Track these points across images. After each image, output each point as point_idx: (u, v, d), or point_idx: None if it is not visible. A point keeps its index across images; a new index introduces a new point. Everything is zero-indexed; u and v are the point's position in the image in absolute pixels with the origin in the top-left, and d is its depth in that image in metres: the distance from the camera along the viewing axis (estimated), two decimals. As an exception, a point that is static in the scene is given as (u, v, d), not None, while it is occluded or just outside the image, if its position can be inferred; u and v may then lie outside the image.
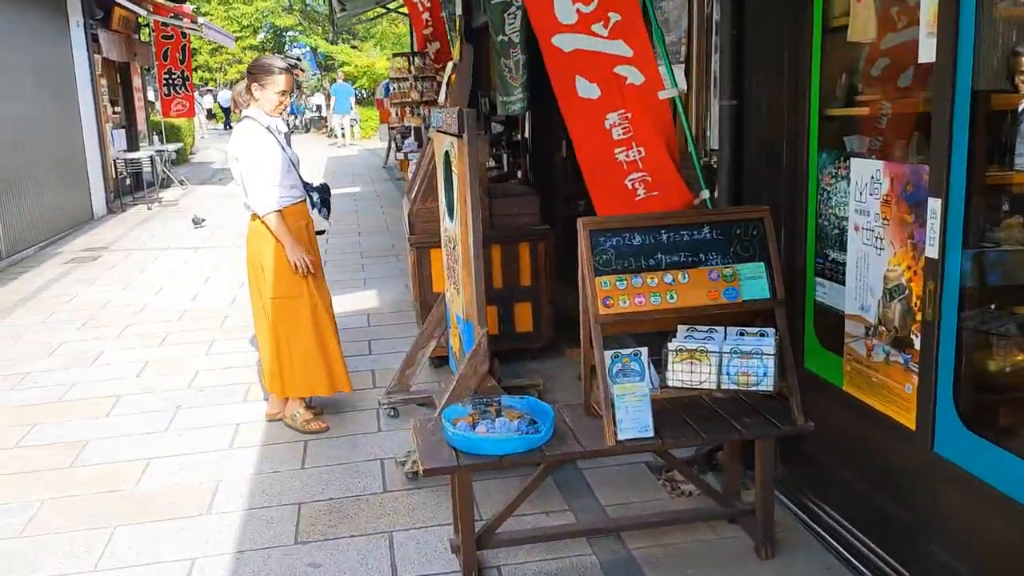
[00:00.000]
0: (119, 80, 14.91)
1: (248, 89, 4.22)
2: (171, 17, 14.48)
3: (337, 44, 29.08)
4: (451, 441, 2.81)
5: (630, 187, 3.75)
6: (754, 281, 2.92)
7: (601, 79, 3.69)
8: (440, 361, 4.94)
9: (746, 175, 3.51)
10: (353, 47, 29.13)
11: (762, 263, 2.94)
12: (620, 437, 2.76)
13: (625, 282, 2.86)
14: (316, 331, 4.30)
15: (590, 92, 3.71)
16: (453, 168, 3.77)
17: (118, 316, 6.79)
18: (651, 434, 2.77)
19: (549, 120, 7.83)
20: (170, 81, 15.59)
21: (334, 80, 30.98)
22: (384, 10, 18.06)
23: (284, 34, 32.23)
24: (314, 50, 30.51)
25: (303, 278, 4.25)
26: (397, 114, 10.59)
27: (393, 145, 17.61)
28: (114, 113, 14.29)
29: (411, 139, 10.85)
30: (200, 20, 15.16)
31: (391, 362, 5.33)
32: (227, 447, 4.22)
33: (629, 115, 3.68)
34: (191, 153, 21.61)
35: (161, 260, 9.10)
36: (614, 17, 3.61)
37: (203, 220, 11.18)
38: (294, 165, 4.31)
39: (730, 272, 2.91)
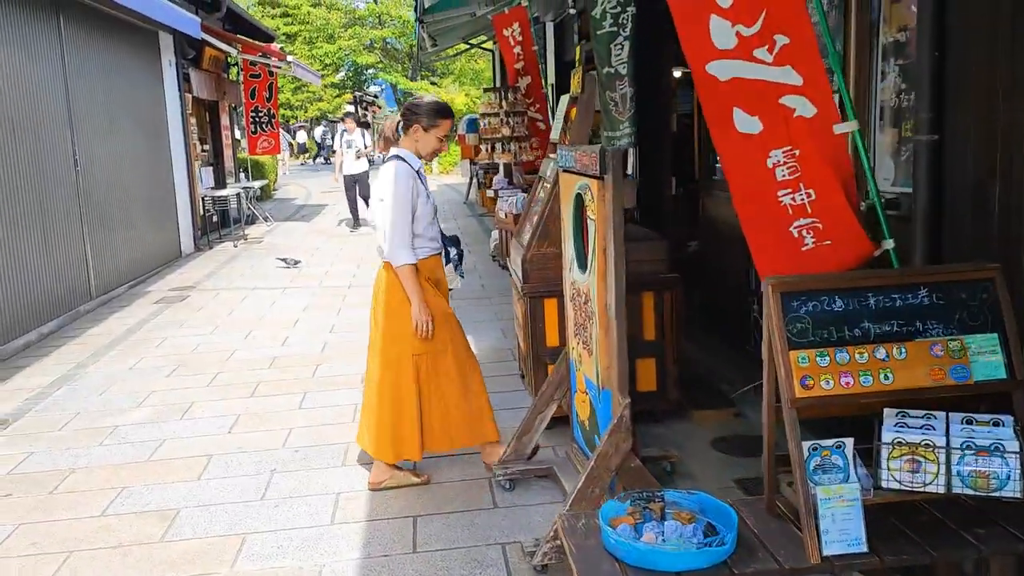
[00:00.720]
0: (208, 118, 15.01)
1: (404, 127, 3.90)
2: (260, 56, 14.53)
3: (416, 80, 29.22)
4: (613, 550, 2.31)
5: (796, 235, 3.22)
6: (986, 357, 2.37)
7: (764, 111, 3.19)
8: (553, 422, 4.45)
9: (947, 223, 2.96)
10: (432, 83, 29.23)
11: (995, 334, 2.39)
12: (826, 552, 2.22)
13: (828, 357, 2.34)
14: (462, 382, 4.06)
15: (750, 126, 3.22)
16: (589, 214, 3.31)
17: (207, 363, 6.51)
18: (864, 549, 2.22)
19: (657, 156, 7.35)
20: (257, 119, 15.63)
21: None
22: (467, 46, 17.94)
23: (364, 71, 32.62)
24: (394, 87, 30.76)
25: (442, 329, 3.96)
26: (487, 150, 10.24)
27: (475, 181, 17.35)
28: (202, 151, 14.35)
29: (500, 176, 10.49)
30: (289, 58, 15.20)
31: (497, 420, 4.87)
32: (328, 522, 3.79)
33: (796, 152, 3.17)
34: (274, 189, 21.77)
35: (248, 301, 8.87)
36: (781, 40, 3.12)
37: (298, 261, 10.97)
38: (435, 214, 3.97)
39: (957, 346, 2.36)
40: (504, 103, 9.79)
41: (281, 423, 5.10)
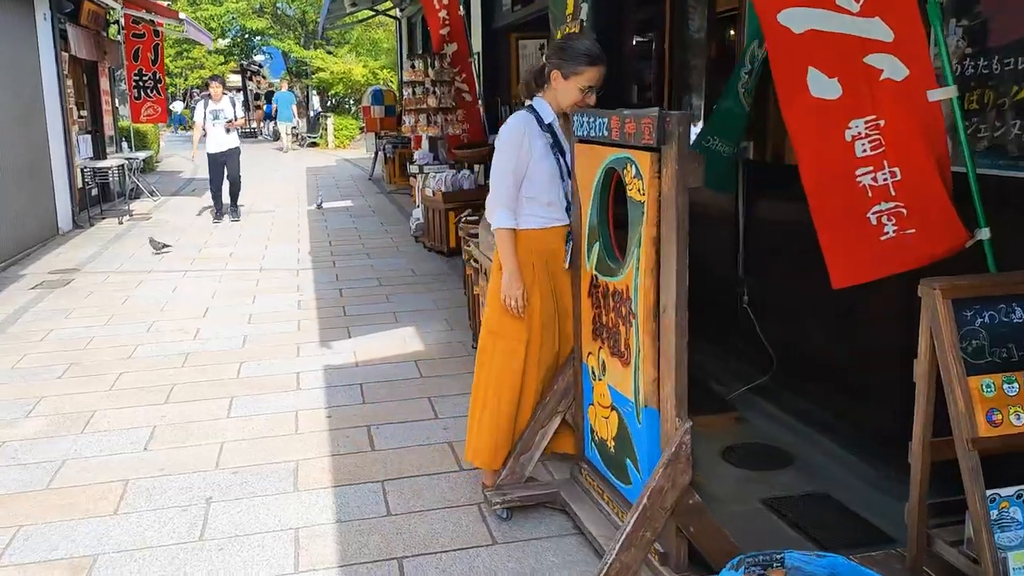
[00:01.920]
0: (86, 81, 13.57)
1: (546, 73, 3.29)
2: (145, 12, 13.18)
3: (310, 49, 27.75)
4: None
5: (874, 222, 2.72)
6: None
7: (844, 72, 2.66)
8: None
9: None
10: (328, 52, 27.86)
11: None
12: (1027, 638, 1.72)
13: (1016, 384, 1.83)
14: (520, 394, 3.37)
15: (827, 90, 2.69)
16: (632, 195, 2.71)
17: (106, 360, 5.59)
18: (1071, 630, 1.73)
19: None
20: (141, 83, 14.24)
21: (307, 86, 29.75)
22: (373, 12, 16.98)
23: (253, 38, 30.78)
24: (286, 54, 29.16)
25: (519, 319, 3.28)
26: (411, 123, 9.47)
27: (381, 155, 16.46)
28: (80, 117, 12.94)
29: (424, 150, 9.73)
30: (182, 16, 13.87)
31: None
32: (291, 570, 3.09)
33: (881, 123, 2.66)
34: (157, 161, 20.20)
35: (145, 286, 7.86)
36: (870, -14, 2.59)
37: (165, 246, 9.60)
38: (563, 177, 3.26)
39: None
40: (431, 71, 9.04)
41: (209, 436, 4.31)
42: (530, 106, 3.32)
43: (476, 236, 6.11)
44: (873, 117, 2.66)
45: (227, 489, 3.73)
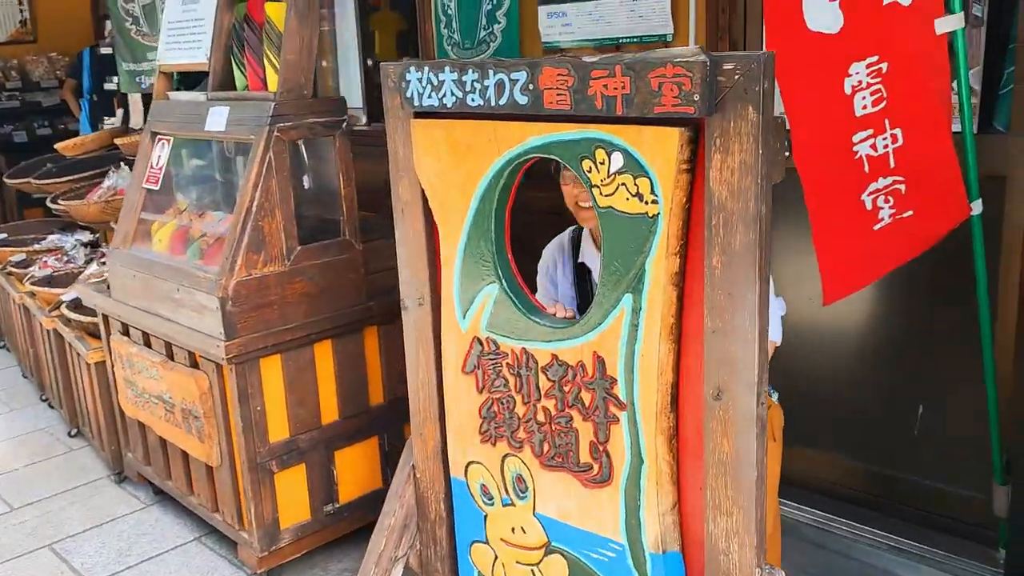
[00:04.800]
0: None
1: None
2: None
3: None
4: None
5: (869, 206, 1.98)
6: None
7: (847, -6, 1.83)
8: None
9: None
10: None
11: None
12: None
13: None
14: None
15: (827, 19, 1.83)
16: (620, 203, 1.54)
17: None
18: None
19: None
20: None
21: None
22: None
23: None
24: None
25: None
26: None
27: None
28: None
29: None
30: None
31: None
32: None
33: (883, 67, 1.89)
34: None
35: None
36: None
37: None
38: None
39: None
40: None
41: None
42: None
43: (26, 265, 4.13)
44: (876, 59, 1.88)
45: None
